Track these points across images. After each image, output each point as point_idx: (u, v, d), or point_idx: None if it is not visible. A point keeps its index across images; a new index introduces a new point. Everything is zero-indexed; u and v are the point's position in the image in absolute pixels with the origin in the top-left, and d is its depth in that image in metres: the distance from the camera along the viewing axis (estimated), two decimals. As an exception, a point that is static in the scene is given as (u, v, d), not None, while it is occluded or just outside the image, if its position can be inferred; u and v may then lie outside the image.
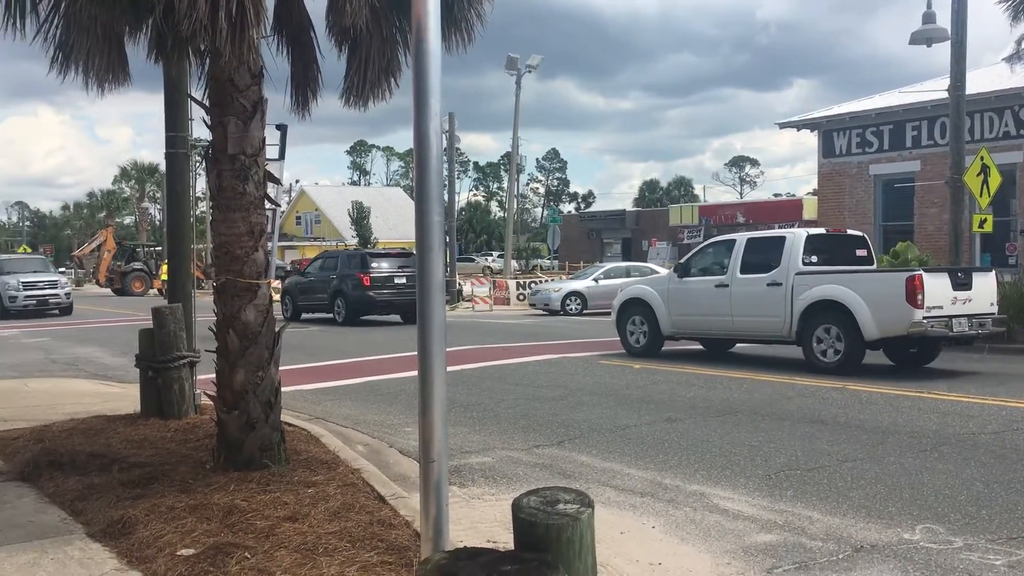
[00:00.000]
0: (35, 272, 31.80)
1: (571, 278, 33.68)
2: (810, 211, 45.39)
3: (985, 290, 13.21)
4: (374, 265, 22.88)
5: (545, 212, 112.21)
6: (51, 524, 5.90)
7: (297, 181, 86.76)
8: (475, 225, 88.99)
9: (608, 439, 8.81)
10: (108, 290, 51.21)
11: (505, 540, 5.70)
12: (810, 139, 25.31)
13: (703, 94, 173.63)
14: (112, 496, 6.27)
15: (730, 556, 5.42)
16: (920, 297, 12.23)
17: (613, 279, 29.89)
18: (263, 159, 7.06)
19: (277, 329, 7.15)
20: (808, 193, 62.22)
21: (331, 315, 24.84)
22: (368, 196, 74.13)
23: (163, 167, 10.15)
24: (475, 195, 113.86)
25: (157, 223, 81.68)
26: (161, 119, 9.73)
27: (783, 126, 26.94)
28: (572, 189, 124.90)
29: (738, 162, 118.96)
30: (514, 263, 54.10)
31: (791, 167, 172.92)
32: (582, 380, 12.83)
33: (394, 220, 73.66)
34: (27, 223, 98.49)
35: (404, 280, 22.76)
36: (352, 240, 59.64)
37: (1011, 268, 19.38)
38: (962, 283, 12.89)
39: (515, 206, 49.21)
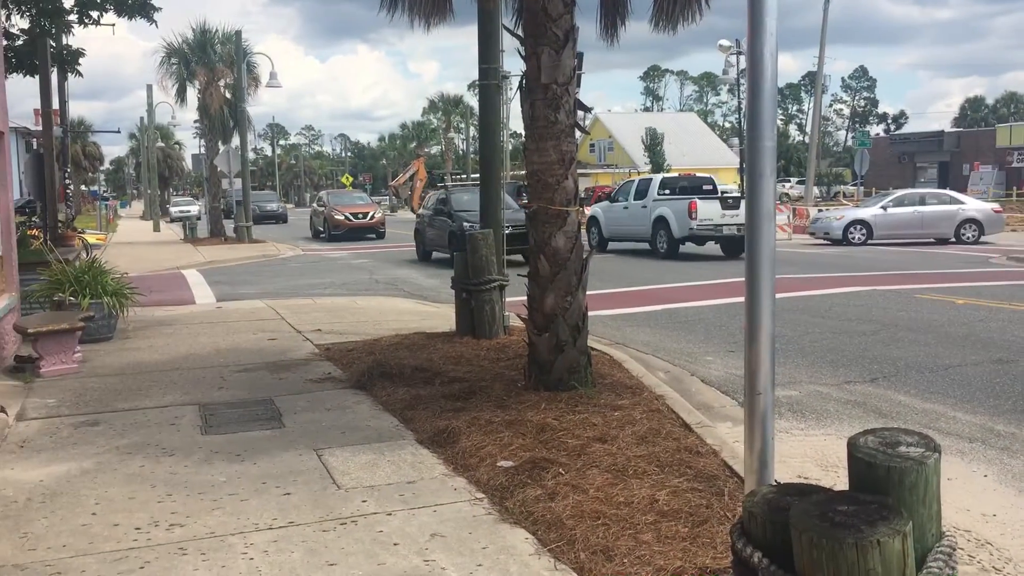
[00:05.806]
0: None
1: (857, 205, 31.08)
2: None
3: None
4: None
5: (850, 136, 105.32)
6: (386, 429, 6.51)
7: (591, 108, 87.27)
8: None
9: (928, 378, 8.23)
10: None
11: (817, 477, 5.53)
12: None
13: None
14: (436, 407, 6.79)
15: (1078, 514, 4.90)
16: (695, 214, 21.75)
17: (906, 207, 27.00)
18: (573, 88, 7.15)
19: (584, 256, 7.30)
20: None
21: (645, 245, 24.07)
22: (661, 122, 73.26)
23: (467, 99, 10.68)
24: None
25: (460, 152, 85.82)
26: (465, 52, 10.51)
27: None
28: (881, 109, 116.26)
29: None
30: (815, 190, 51.34)
31: None
32: (896, 314, 12.03)
33: (687, 146, 72.44)
34: (348, 153, 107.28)
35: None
36: (645, 167, 59.40)
37: None
38: (731, 205, 21.92)
39: (818, 129, 46.48)
